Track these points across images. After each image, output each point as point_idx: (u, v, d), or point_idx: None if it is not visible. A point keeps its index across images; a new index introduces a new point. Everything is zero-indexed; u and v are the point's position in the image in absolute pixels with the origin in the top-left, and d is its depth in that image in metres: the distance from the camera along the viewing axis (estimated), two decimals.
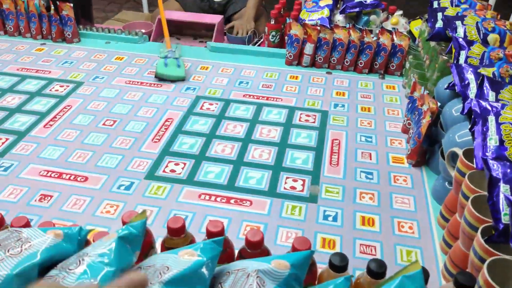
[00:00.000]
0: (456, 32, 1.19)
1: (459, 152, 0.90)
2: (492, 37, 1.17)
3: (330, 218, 0.99)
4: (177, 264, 0.51)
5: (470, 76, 1.03)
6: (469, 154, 0.88)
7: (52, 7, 1.71)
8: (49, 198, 1.03)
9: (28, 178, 1.09)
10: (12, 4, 1.75)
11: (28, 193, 1.04)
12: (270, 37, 1.72)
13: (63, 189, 1.06)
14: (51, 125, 1.28)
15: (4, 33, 1.83)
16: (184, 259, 0.52)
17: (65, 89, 1.46)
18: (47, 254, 0.54)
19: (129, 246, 0.53)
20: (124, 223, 0.70)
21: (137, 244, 0.55)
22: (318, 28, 1.53)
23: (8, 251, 0.53)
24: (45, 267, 0.54)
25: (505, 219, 0.68)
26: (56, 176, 1.10)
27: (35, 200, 1.02)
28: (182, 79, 1.50)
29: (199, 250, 0.53)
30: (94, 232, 0.67)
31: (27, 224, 0.73)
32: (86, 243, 0.61)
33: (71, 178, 1.09)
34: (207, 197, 1.04)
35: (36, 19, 1.75)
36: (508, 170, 0.73)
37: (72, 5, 1.69)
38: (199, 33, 1.98)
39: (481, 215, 0.74)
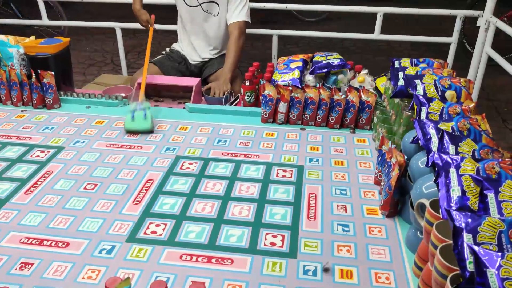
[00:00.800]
0: (416, 90, 1.29)
1: (426, 203, 0.95)
2: (449, 94, 1.27)
3: (310, 273, 1.01)
4: None
5: (431, 130, 1.12)
6: (435, 204, 0.94)
7: (33, 76, 1.77)
8: (29, 266, 1.03)
9: (9, 246, 1.09)
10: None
11: (8, 261, 1.04)
12: (246, 97, 1.81)
13: (44, 256, 1.06)
14: (31, 191, 1.29)
15: None
16: None
17: (46, 154, 1.48)
18: None
19: None
20: None
21: None
22: (290, 88, 1.62)
23: None
24: None
25: (470, 267, 0.73)
26: (37, 243, 1.10)
27: (15, 269, 1.02)
28: (150, 131, 1.58)
29: None
30: None
31: None
32: None
33: (52, 244, 1.09)
34: (189, 258, 1.06)
35: (17, 87, 1.80)
36: (470, 220, 0.78)
37: (53, 73, 1.75)
38: (178, 94, 2.06)
39: (449, 264, 0.78)
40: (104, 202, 1.25)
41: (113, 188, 1.31)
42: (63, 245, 1.09)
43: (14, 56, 1.85)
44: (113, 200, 1.25)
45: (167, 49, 2.42)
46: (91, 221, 1.17)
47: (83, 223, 1.16)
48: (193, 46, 2.32)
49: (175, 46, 2.42)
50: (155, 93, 2.06)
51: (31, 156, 1.47)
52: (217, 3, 2.17)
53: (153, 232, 1.14)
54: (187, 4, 2.20)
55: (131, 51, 4.10)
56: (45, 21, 2.85)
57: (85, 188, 1.31)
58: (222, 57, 2.28)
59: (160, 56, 2.38)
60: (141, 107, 1.59)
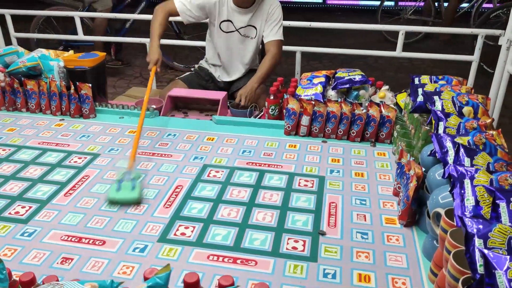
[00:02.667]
0: (434, 105, 1.35)
1: (442, 212, 1.01)
2: (467, 110, 1.32)
3: (330, 276, 1.07)
4: None
5: (448, 144, 1.17)
6: (450, 213, 0.99)
7: (72, 87, 1.89)
8: (70, 261, 1.12)
9: (50, 243, 1.18)
10: (36, 85, 1.94)
11: (50, 256, 1.14)
12: (270, 110, 1.89)
13: (82, 252, 1.15)
14: (70, 194, 1.39)
15: (26, 110, 2.00)
16: None
17: (83, 160, 1.59)
18: None
19: None
20: (145, 278, 0.79)
21: None
22: (313, 102, 1.70)
23: None
24: None
25: (480, 269, 0.78)
26: (76, 240, 1.19)
27: (57, 263, 1.11)
28: (137, 202, 1.34)
29: None
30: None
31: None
32: None
33: (90, 242, 1.19)
34: (215, 258, 1.13)
35: (56, 97, 1.93)
36: (481, 226, 0.84)
37: (90, 85, 1.87)
38: (205, 107, 2.15)
39: (461, 267, 0.83)
40: (137, 205, 1.33)
41: (146, 192, 1.40)
42: (100, 243, 1.18)
43: (55, 69, 1.98)
44: (146, 203, 1.34)
45: (196, 66, 2.48)
46: (125, 222, 1.26)
47: (118, 224, 1.25)
48: (226, 68, 2.37)
49: (203, 63, 2.47)
50: (183, 105, 2.17)
51: (69, 162, 1.58)
52: (254, 27, 2.22)
53: (183, 234, 1.21)
54: (223, 31, 2.23)
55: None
56: (80, 36, 3.02)
57: None
58: (250, 73, 2.34)
59: (189, 73, 2.43)
60: (129, 177, 1.39)
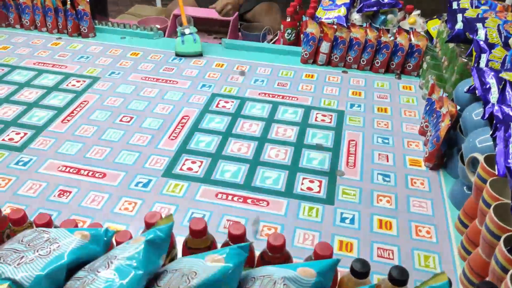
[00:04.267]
0: (477, 34, 1.18)
1: (480, 158, 0.89)
2: None
3: (347, 221, 0.99)
4: (204, 270, 0.51)
5: (491, 80, 1.02)
6: (490, 160, 0.87)
7: (68, 2, 1.72)
8: (68, 193, 1.04)
9: (47, 173, 1.10)
10: None
11: (47, 188, 1.05)
12: (286, 34, 1.71)
13: (81, 185, 1.07)
14: (68, 121, 1.29)
15: (20, 26, 1.84)
16: (211, 264, 0.52)
17: (81, 84, 1.46)
18: (75, 255, 0.55)
19: (156, 249, 0.54)
20: (146, 223, 0.70)
21: (164, 248, 0.55)
22: (335, 26, 1.52)
23: (37, 251, 0.54)
24: (72, 267, 0.55)
25: None
26: (74, 172, 1.11)
27: (54, 196, 1.03)
28: (200, 54, 1.62)
29: (225, 255, 0.53)
30: (117, 232, 0.68)
31: (49, 222, 0.74)
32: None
33: (89, 174, 1.10)
34: (224, 196, 1.04)
35: (52, 13, 1.76)
36: None
37: (88, 0, 1.69)
38: (214, 29, 1.97)
39: (503, 224, 0.73)
40: (140, 135, 1.23)
41: (149, 122, 1.29)
42: (100, 176, 1.09)
43: None
44: (149, 134, 1.24)
45: None
46: (127, 154, 1.16)
47: (119, 155, 1.16)
48: None
49: None
50: None
51: (67, 85, 1.46)
52: None
53: (189, 169, 1.12)
54: None
55: None
56: None
57: (121, 120, 1.29)
58: None
59: None
60: (189, 31, 1.62)
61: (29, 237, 0.57)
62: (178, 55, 1.63)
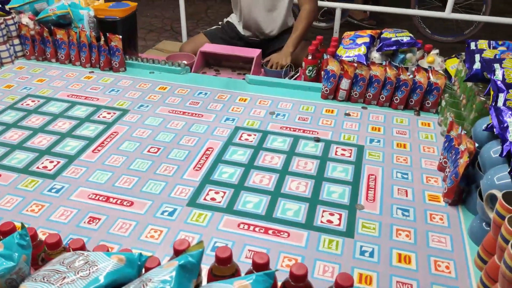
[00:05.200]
0: (494, 74, 1.21)
1: (499, 194, 0.91)
2: None
3: (367, 254, 1.00)
4: None
5: (509, 119, 1.05)
6: (508, 197, 0.89)
7: (102, 38, 1.82)
8: (97, 220, 1.09)
9: (78, 201, 1.16)
10: (66, 35, 1.88)
11: (77, 214, 1.11)
12: (307, 71, 1.78)
13: (110, 212, 1.12)
14: (99, 150, 1.36)
15: (55, 60, 1.96)
16: None
17: (112, 116, 1.54)
18: (112, 277, 0.59)
19: (188, 274, 0.57)
20: (175, 250, 0.74)
21: (195, 273, 0.59)
22: (355, 64, 1.58)
23: (78, 273, 0.58)
24: None
25: None
26: (103, 199, 1.16)
27: (84, 222, 1.09)
28: None
29: (252, 281, 0.57)
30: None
31: (83, 246, 0.79)
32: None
33: (118, 202, 1.15)
34: (246, 227, 1.08)
35: (86, 48, 1.87)
36: None
37: (121, 36, 1.80)
38: (237, 65, 2.06)
39: None
40: (166, 166, 1.29)
41: (175, 153, 1.34)
42: (128, 204, 1.14)
43: (85, 18, 1.91)
44: (175, 164, 1.29)
45: (224, 20, 2.34)
46: (154, 183, 1.22)
47: (146, 185, 1.21)
48: (250, 23, 2.19)
49: (231, 18, 2.31)
50: (215, 62, 2.07)
51: (98, 117, 1.54)
52: None
53: (213, 199, 1.16)
54: None
55: (189, 18, 4.12)
56: None
57: (148, 151, 1.35)
58: (285, 33, 2.20)
59: (215, 27, 2.31)
60: None
61: (69, 259, 0.62)
62: None
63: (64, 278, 0.57)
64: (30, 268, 0.65)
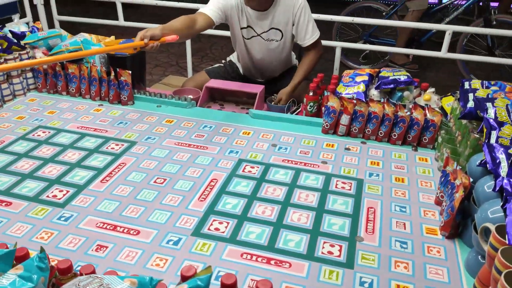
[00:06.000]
0: (487, 113, 1.28)
1: (492, 227, 0.95)
2: None
3: (366, 285, 1.03)
4: None
5: (501, 155, 1.10)
6: (501, 230, 0.93)
7: (113, 73, 1.91)
8: (104, 248, 1.12)
9: (86, 229, 1.19)
10: (77, 69, 1.96)
11: (86, 243, 1.14)
12: (308, 107, 1.84)
13: (117, 240, 1.15)
14: (107, 181, 1.40)
15: (66, 93, 2.03)
16: None
17: (120, 147, 1.60)
18: None
19: None
20: (182, 276, 0.78)
21: None
22: (354, 101, 1.65)
23: None
24: None
25: None
26: (111, 228, 1.20)
27: (92, 250, 1.12)
28: None
29: None
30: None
31: (93, 272, 0.82)
32: None
33: (125, 231, 1.19)
34: (249, 257, 1.11)
35: (96, 82, 1.95)
36: None
37: (130, 72, 1.88)
38: (241, 100, 2.13)
39: None
40: (172, 196, 1.33)
41: (181, 184, 1.39)
42: (134, 233, 1.18)
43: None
44: (180, 195, 1.34)
45: (227, 59, 2.40)
46: (160, 213, 1.26)
47: (152, 214, 1.25)
48: (252, 71, 2.26)
49: (233, 58, 2.37)
50: (220, 97, 2.15)
51: (107, 148, 1.59)
52: (278, 29, 2.05)
53: (216, 229, 1.20)
54: (244, 37, 2.11)
55: (195, 54, 4.26)
56: (121, 21, 3.04)
57: (155, 181, 1.40)
58: (289, 71, 2.25)
59: (217, 65, 2.36)
60: None
61: (84, 281, 0.66)
62: None
63: None
64: None
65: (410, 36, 3.75)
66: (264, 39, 2.09)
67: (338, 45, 2.64)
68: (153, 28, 1.59)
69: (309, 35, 2.06)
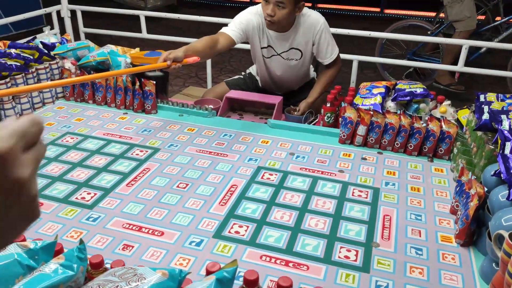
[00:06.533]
0: (501, 125, 1.31)
1: (505, 234, 0.98)
2: None
3: None
4: None
5: None
6: None
7: (137, 83, 1.99)
8: (130, 248, 1.18)
9: (113, 229, 1.25)
10: (103, 79, 2.05)
11: (112, 242, 1.20)
12: (325, 118, 1.89)
13: (142, 241, 1.21)
14: (132, 184, 1.47)
15: (92, 102, 2.12)
16: None
17: (144, 153, 1.67)
18: None
19: (223, 287, 0.66)
20: (208, 272, 0.83)
21: (229, 286, 0.67)
22: (371, 112, 1.69)
23: (129, 283, 0.67)
24: None
25: None
26: (136, 229, 1.26)
27: (119, 249, 1.18)
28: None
29: None
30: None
31: (123, 266, 0.88)
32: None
33: (150, 232, 1.25)
34: (268, 259, 1.16)
35: (122, 92, 2.03)
36: None
37: (154, 82, 1.96)
38: (260, 110, 2.19)
39: None
40: (194, 200, 1.39)
41: (202, 189, 1.45)
42: (159, 234, 1.24)
43: (122, 65, 2.09)
44: (202, 199, 1.39)
45: (247, 71, 2.45)
46: (182, 216, 1.31)
47: (176, 217, 1.31)
48: (271, 85, 2.31)
49: (253, 71, 2.42)
50: (239, 107, 2.21)
51: (132, 154, 1.66)
52: (298, 49, 2.10)
53: (237, 232, 1.25)
54: (264, 56, 2.17)
55: (214, 66, 4.36)
56: (144, 34, 3.16)
57: (177, 186, 1.46)
58: (307, 85, 2.30)
59: (237, 77, 2.42)
60: None
61: (120, 271, 0.71)
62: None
63: (117, 286, 0.66)
64: (83, 279, 0.74)
65: (456, 56, 3.44)
66: (284, 58, 2.14)
67: (355, 58, 2.69)
68: (176, 50, 1.65)
69: (329, 54, 2.09)
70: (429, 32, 3.76)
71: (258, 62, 2.24)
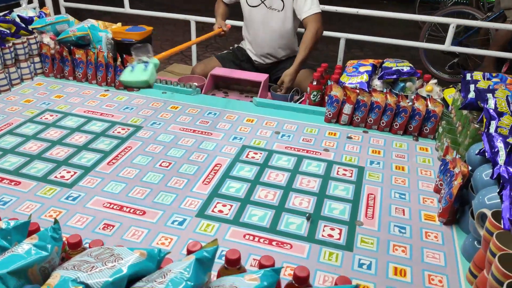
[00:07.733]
0: (487, 103, 1.30)
1: (488, 213, 0.98)
2: None
3: (365, 266, 1.07)
4: (244, 285, 0.61)
5: (499, 144, 1.13)
6: (497, 215, 0.96)
7: (119, 59, 1.93)
8: (111, 227, 1.16)
9: (93, 208, 1.23)
10: (84, 55, 1.99)
11: (93, 221, 1.18)
12: (312, 96, 1.87)
13: (123, 220, 1.19)
14: (113, 163, 1.43)
15: (73, 78, 2.06)
16: (248, 282, 0.62)
17: (126, 131, 1.63)
18: (134, 269, 0.66)
19: (204, 267, 0.64)
20: (189, 251, 0.81)
21: (210, 266, 0.65)
22: (357, 91, 1.67)
23: (105, 263, 0.65)
24: (131, 279, 0.65)
25: None
26: (117, 208, 1.23)
27: (99, 228, 1.15)
28: (146, 85, 1.39)
29: (261, 275, 0.63)
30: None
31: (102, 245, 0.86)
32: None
33: (131, 211, 1.22)
34: (251, 238, 1.14)
35: (103, 68, 1.97)
36: None
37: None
38: (246, 88, 2.15)
39: (506, 271, 0.81)
40: (177, 179, 1.36)
41: (186, 168, 1.42)
42: (140, 213, 1.21)
43: (103, 40, 2.02)
44: (185, 178, 1.37)
45: (235, 45, 2.45)
46: (165, 195, 1.29)
47: (158, 196, 1.28)
48: (258, 44, 2.31)
49: (243, 44, 2.43)
50: (224, 85, 2.17)
51: (113, 132, 1.62)
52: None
53: (220, 211, 1.23)
54: (249, 5, 2.20)
55: (199, 44, 4.28)
56: (127, 9, 3.06)
57: (160, 165, 1.43)
58: (291, 59, 2.30)
59: (226, 51, 2.42)
60: (144, 60, 1.40)
61: (96, 252, 0.69)
62: (123, 84, 1.46)
63: (93, 267, 0.64)
64: (59, 259, 0.72)
65: (505, 46, 3.22)
66: (266, 6, 2.17)
67: (343, 36, 2.65)
68: (218, 21, 2.27)
69: (307, 7, 2.06)
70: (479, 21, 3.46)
71: (245, 19, 2.31)
